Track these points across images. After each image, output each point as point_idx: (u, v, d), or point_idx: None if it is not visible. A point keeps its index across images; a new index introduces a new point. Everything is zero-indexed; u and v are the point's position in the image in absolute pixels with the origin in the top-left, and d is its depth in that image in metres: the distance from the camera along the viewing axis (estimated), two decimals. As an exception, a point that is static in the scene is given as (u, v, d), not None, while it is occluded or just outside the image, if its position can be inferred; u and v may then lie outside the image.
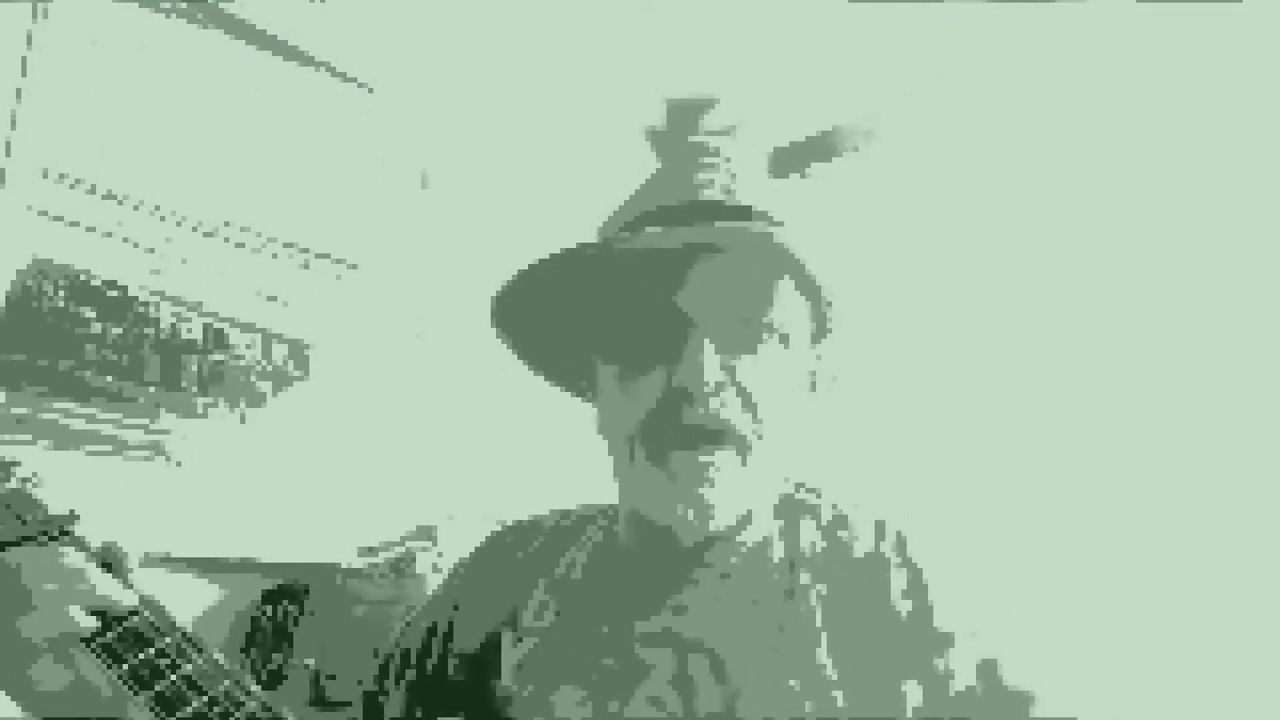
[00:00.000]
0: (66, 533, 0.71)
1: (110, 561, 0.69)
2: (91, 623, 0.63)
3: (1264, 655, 1.42)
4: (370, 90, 2.08)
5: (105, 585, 0.65)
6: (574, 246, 0.76)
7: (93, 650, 0.62)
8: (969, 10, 1.93)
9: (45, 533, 0.70)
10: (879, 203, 2.07)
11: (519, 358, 0.90)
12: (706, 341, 0.72)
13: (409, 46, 2.12)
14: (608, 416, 0.80)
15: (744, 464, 0.73)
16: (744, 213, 0.77)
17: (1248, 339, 1.63)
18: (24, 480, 0.75)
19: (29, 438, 1.58)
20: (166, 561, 1.65)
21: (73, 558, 0.67)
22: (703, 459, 0.72)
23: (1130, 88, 1.82)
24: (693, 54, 2.13)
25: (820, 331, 0.83)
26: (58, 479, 0.80)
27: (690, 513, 0.72)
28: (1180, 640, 1.47)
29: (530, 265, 0.78)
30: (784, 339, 0.76)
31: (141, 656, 0.61)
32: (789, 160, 2.14)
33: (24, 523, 0.70)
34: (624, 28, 2.14)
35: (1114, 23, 1.81)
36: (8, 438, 1.55)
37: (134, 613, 0.65)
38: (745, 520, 0.77)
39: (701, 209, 0.77)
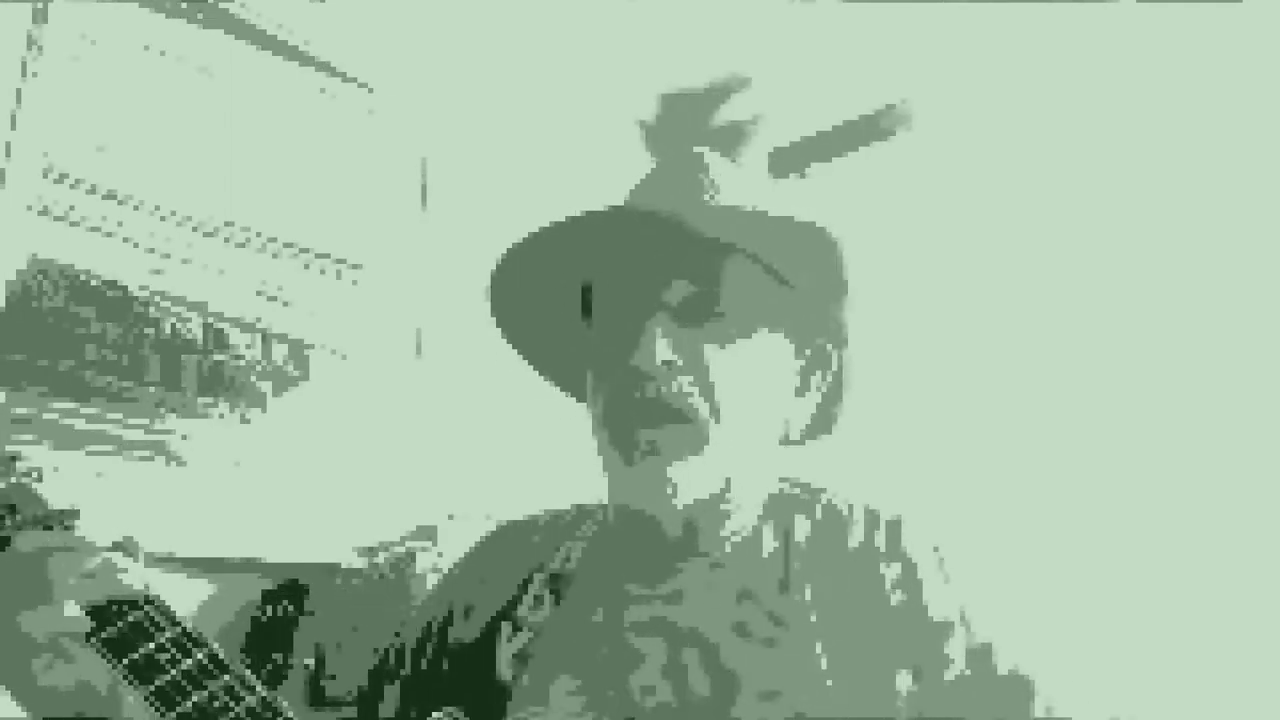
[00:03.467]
0: (68, 528, 0.71)
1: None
2: (93, 614, 0.63)
3: (1258, 646, 1.42)
4: (370, 90, 2.08)
5: (108, 579, 0.65)
6: (535, 232, 0.78)
7: (94, 644, 0.62)
8: (969, 10, 1.93)
9: (47, 528, 0.70)
10: (880, 202, 2.07)
11: (523, 357, 0.92)
12: (656, 323, 0.73)
13: (409, 46, 2.12)
14: (590, 409, 0.81)
15: (704, 440, 0.74)
16: (722, 213, 0.78)
17: (1248, 339, 1.63)
18: (25, 475, 0.75)
19: (30, 438, 1.58)
20: (167, 561, 1.65)
21: (77, 551, 0.67)
22: (657, 432, 0.73)
23: (1130, 88, 1.82)
24: (694, 55, 2.13)
25: (814, 330, 0.83)
26: (59, 479, 0.80)
27: (651, 486, 0.73)
28: (1172, 629, 1.48)
29: (517, 244, 0.80)
30: (754, 325, 0.77)
31: (142, 651, 0.61)
32: (789, 160, 2.14)
33: (25, 518, 0.70)
34: (625, 29, 2.14)
35: (1114, 23, 1.82)
36: (8, 438, 1.55)
37: (136, 607, 0.64)
38: (725, 507, 0.77)
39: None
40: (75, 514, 0.72)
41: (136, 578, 0.67)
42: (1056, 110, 1.91)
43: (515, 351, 0.92)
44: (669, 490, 0.73)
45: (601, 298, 0.79)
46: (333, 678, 1.65)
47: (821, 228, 0.76)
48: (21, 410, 1.57)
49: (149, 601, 0.65)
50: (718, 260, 0.76)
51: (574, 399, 0.94)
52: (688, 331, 0.75)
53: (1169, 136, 1.77)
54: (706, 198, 0.79)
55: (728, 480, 0.77)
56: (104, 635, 0.62)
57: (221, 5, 1.83)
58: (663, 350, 0.73)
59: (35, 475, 0.76)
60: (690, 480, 0.74)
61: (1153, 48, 1.79)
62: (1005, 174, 1.95)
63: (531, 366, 0.94)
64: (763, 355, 0.78)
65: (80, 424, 1.64)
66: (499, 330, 0.89)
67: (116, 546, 0.70)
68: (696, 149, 0.86)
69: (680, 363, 0.74)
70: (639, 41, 2.15)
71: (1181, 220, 1.74)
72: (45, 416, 1.60)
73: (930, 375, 1.88)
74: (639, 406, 0.73)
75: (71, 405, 1.62)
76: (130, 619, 0.63)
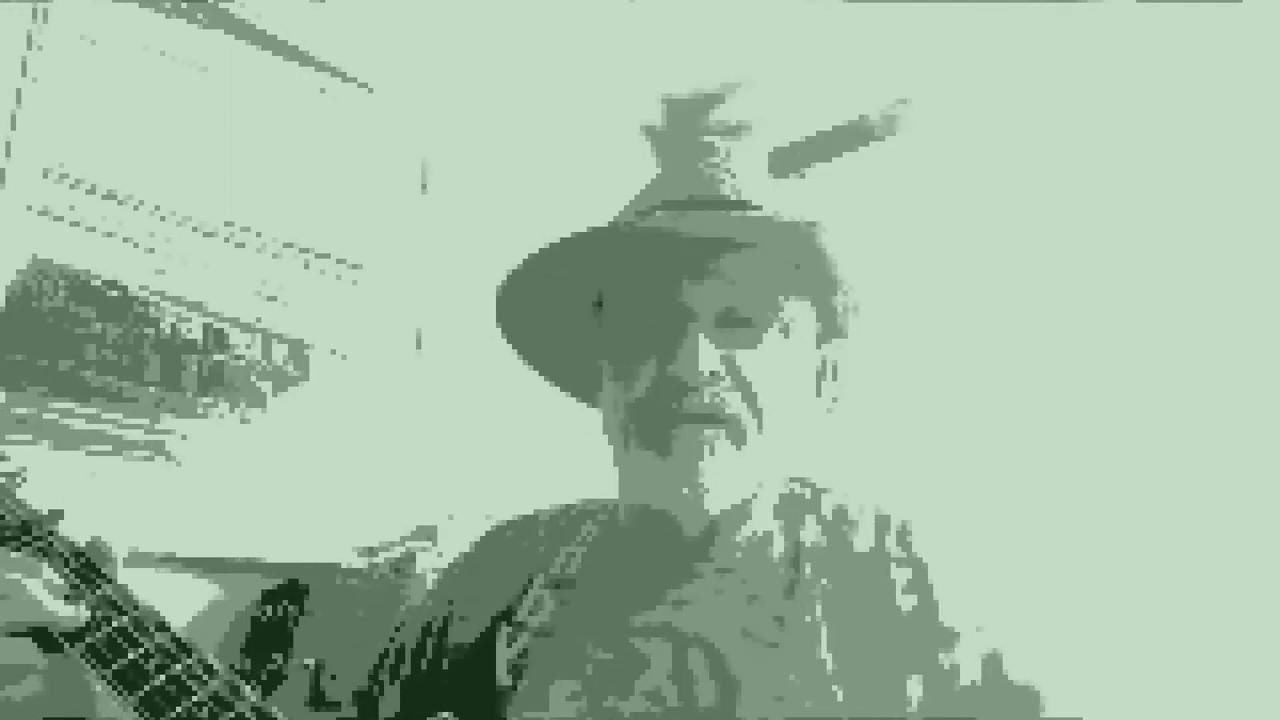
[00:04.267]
0: (51, 531, 0.69)
1: (94, 559, 0.67)
2: (77, 623, 0.61)
3: (1265, 654, 1.42)
4: (370, 90, 2.08)
5: (81, 587, 0.64)
6: (573, 233, 0.76)
7: (78, 652, 0.60)
8: (971, 10, 1.93)
9: (29, 530, 0.69)
10: (882, 202, 2.07)
11: (523, 358, 0.90)
12: (702, 331, 0.72)
13: (409, 46, 2.12)
14: (607, 407, 0.80)
15: (741, 448, 0.73)
16: (747, 208, 0.77)
17: (1248, 339, 1.63)
18: (9, 476, 0.74)
19: (30, 438, 1.58)
20: (167, 561, 1.65)
21: (52, 557, 0.66)
22: (699, 436, 0.72)
23: (1130, 88, 1.82)
24: (692, 53, 2.13)
25: (828, 330, 0.83)
26: (58, 479, 0.79)
27: (686, 490, 0.72)
28: (1183, 637, 1.47)
29: (535, 253, 0.78)
30: (785, 331, 0.76)
31: (129, 658, 0.60)
32: (788, 160, 2.14)
33: (5, 521, 0.69)
34: (624, 27, 2.14)
35: (1114, 22, 1.81)
36: (8, 438, 1.55)
37: (122, 612, 0.63)
38: (745, 511, 0.77)
39: (706, 205, 0.77)
40: (58, 516, 0.71)
41: (117, 582, 0.65)
42: (1056, 110, 1.91)
43: (519, 355, 0.90)
44: (703, 495, 0.72)
45: (628, 304, 0.78)
46: (333, 678, 1.65)
47: (818, 222, 0.75)
48: (21, 410, 1.57)
49: (134, 606, 0.64)
50: (753, 267, 0.75)
51: (578, 399, 0.93)
52: (729, 341, 0.74)
53: (1169, 137, 1.77)
54: (737, 196, 0.78)
55: (758, 486, 0.77)
56: (89, 642, 0.61)
57: (221, 5, 1.83)
58: (705, 360, 0.72)
59: (20, 477, 0.75)
60: (726, 487, 0.73)
61: (1153, 48, 1.79)
62: (1005, 174, 1.95)
63: (536, 370, 0.92)
64: (792, 358, 0.78)
65: (80, 424, 1.63)
66: (503, 333, 0.88)
67: (87, 548, 0.68)
68: (706, 144, 0.85)
69: (722, 372, 0.73)
70: (638, 40, 2.15)
71: (1181, 221, 1.74)
72: (45, 416, 1.60)
73: (934, 375, 1.88)
74: (681, 416, 0.72)
75: (71, 405, 1.62)
76: (116, 625, 0.62)
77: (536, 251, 0.78)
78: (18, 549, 0.67)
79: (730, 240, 0.74)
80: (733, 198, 0.77)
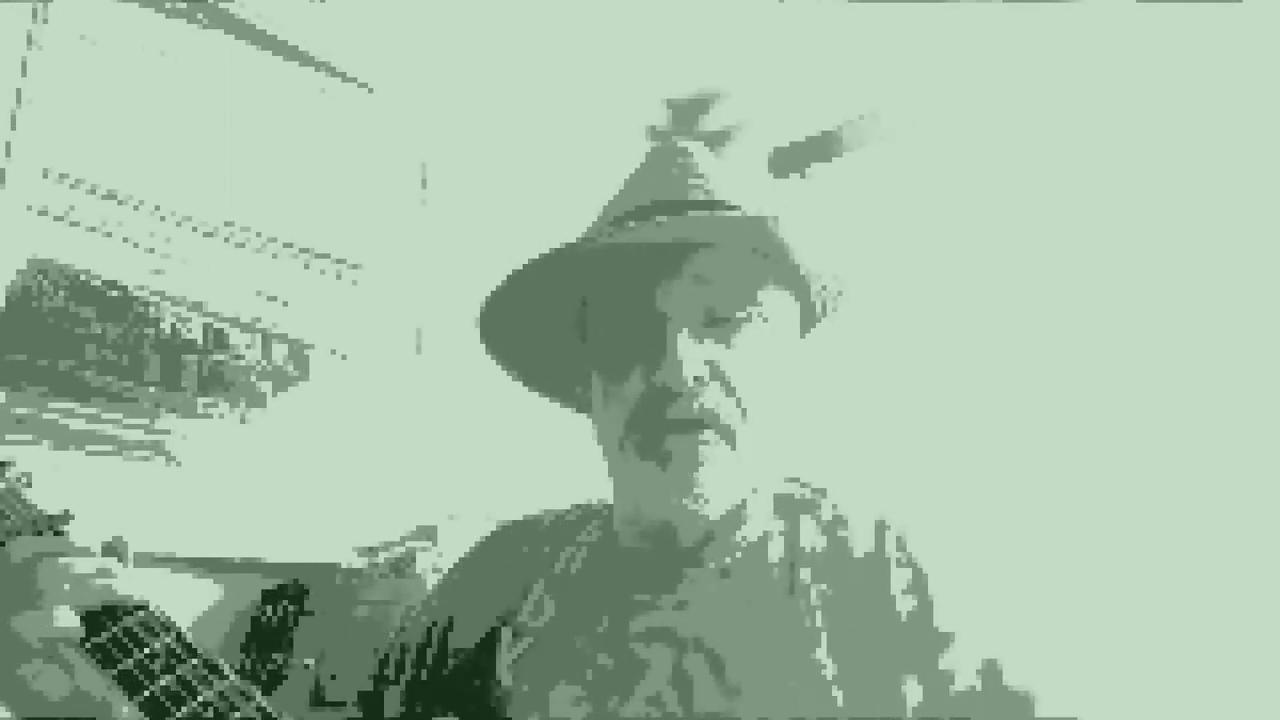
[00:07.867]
0: (59, 533, 0.69)
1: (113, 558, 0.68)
2: (85, 620, 0.62)
3: (1263, 655, 1.42)
4: (370, 90, 2.08)
5: (102, 584, 0.64)
6: (536, 256, 0.77)
7: (85, 651, 0.61)
8: (968, 10, 1.93)
9: (38, 533, 0.69)
10: (881, 202, 2.07)
11: (510, 374, 0.91)
12: (682, 337, 0.72)
13: (409, 46, 2.12)
14: (599, 419, 0.80)
15: (733, 449, 0.73)
16: (718, 208, 0.77)
17: (1248, 339, 1.63)
18: (16, 480, 0.74)
19: (30, 438, 1.58)
20: (166, 561, 1.65)
21: (69, 557, 0.66)
22: (693, 445, 0.72)
23: (1130, 88, 1.82)
24: (693, 54, 2.13)
25: (809, 321, 0.83)
26: (58, 479, 0.79)
27: (685, 500, 0.72)
28: (1179, 639, 1.47)
29: (504, 282, 0.79)
30: (764, 325, 0.76)
31: (135, 658, 0.60)
32: (789, 160, 2.14)
33: (14, 523, 0.69)
34: (625, 27, 2.14)
35: (1114, 23, 1.81)
36: (8, 438, 1.55)
37: (128, 613, 0.63)
38: (741, 514, 0.77)
39: (672, 208, 0.77)
40: (66, 518, 0.71)
41: (128, 582, 0.65)
42: (1056, 110, 1.91)
43: (509, 374, 0.91)
44: (701, 502, 0.72)
45: (608, 316, 0.78)
46: (333, 678, 1.65)
47: (779, 215, 0.75)
48: (21, 410, 1.57)
49: (141, 608, 0.64)
50: (724, 265, 0.75)
51: (571, 409, 0.93)
52: (710, 342, 0.74)
53: (1168, 137, 1.77)
54: (703, 196, 0.78)
55: (753, 488, 0.77)
56: (96, 641, 0.61)
57: (221, 5, 1.83)
58: (690, 365, 0.72)
59: (25, 480, 0.75)
60: (723, 492, 0.73)
61: (1153, 48, 1.79)
62: (1004, 174, 1.95)
63: (526, 386, 0.92)
64: (778, 354, 0.78)
65: (80, 424, 1.63)
66: (491, 356, 0.88)
67: (106, 548, 0.68)
68: (682, 145, 0.85)
69: (706, 376, 0.73)
70: (638, 41, 2.15)
71: (1181, 221, 1.74)
72: (45, 416, 1.60)
73: (935, 376, 1.88)
74: (671, 423, 0.72)
75: (71, 405, 1.62)
76: (122, 625, 0.62)
77: (508, 275, 0.78)
78: None
79: (694, 241, 0.74)
80: (700, 199, 0.78)
